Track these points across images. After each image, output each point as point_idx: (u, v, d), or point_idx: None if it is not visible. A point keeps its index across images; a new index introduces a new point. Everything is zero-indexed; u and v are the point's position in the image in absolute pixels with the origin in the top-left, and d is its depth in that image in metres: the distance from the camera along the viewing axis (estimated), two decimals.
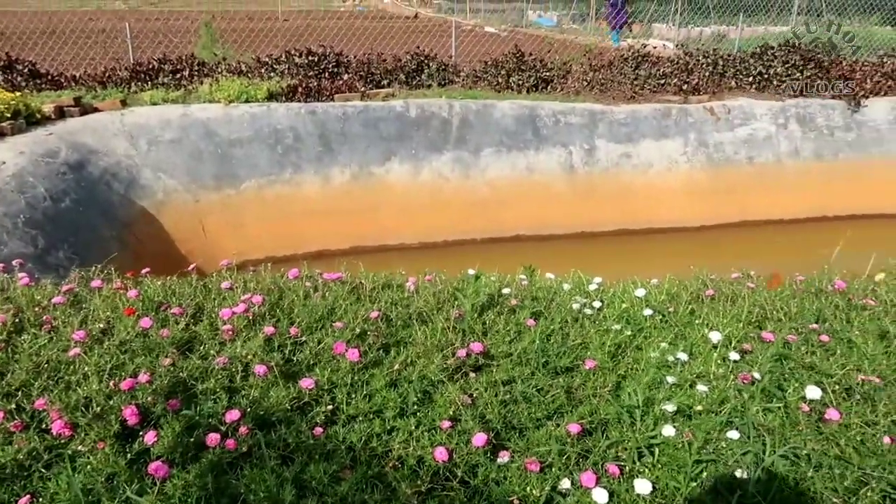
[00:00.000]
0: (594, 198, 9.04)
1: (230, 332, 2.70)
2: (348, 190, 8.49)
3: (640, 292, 3.23)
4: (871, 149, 10.14)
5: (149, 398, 2.27)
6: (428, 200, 8.65)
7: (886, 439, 2.29)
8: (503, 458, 2.18)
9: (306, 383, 2.35)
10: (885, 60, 11.42)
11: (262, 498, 1.93)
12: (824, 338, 2.89)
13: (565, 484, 2.08)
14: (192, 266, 3.37)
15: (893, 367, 2.72)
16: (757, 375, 2.58)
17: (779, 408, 2.45)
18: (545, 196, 8.89)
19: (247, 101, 8.60)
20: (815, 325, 3.00)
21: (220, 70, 9.60)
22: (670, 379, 2.55)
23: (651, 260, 8.21)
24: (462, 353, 2.60)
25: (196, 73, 9.52)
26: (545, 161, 9.05)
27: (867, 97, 10.42)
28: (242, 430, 2.18)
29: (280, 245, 7.91)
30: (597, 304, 3.15)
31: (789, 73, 10.66)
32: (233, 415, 2.20)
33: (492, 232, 8.67)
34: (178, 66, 9.57)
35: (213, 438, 2.12)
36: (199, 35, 11.15)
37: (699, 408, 2.36)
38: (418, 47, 10.51)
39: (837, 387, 2.56)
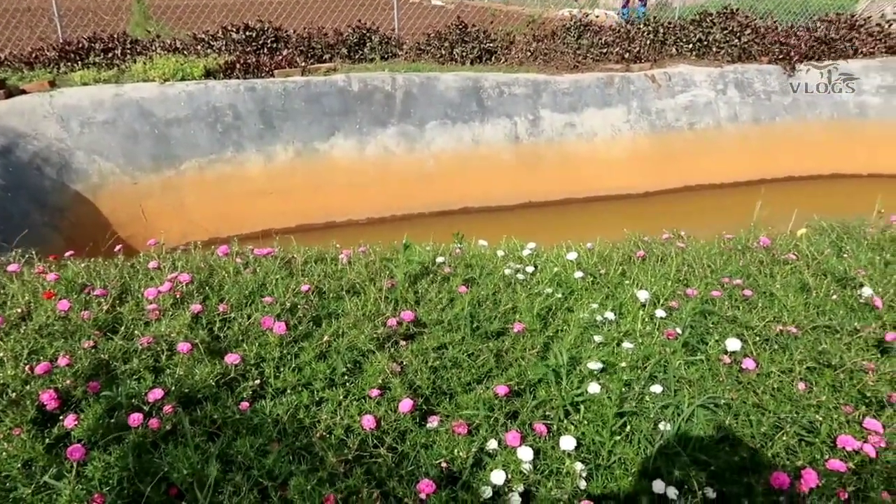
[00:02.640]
0: (540, 168, 9.09)
1: (156, 312, 2.64)
2: (292, 167, 8.34)
3: (572, 256, 3.27)
4: (806, 112, 10.41)
5: (68, 381, 2.21)
6: (374, 175, 8.57)
7: (801, 385, 2.39)
8: (432, 422, 2.20)
9: (232, 359, 2.32)
10: (818, 25, 11.68)
11: (186, 475, 1.90)
12: (747, 292, 2.98)
13: (492, 444, 2.11)
14: (117, 247, 3.28)
15: (811, 317, 2.82)
16: (680, 331, 2.65)
17: (701, 361, 2.53)
18: (491, 167, 8.90)
19: (183, 79, 8.34)
20: (739, 281, 3.09)
21: (154, 48, 9.27)
22: (598, 338, 2.60)
23: (596, 227, 8.23)
24: (393, 322, 2.61)
25: (129, 51, 9.17)
26: (490, 132, 9.05)
27: (801, 62, 10.67)
28: (166, 408, 2.14)
29: (224, 226, 7.75)
30: (530, 269, 3.19)
31: (727, 39, 10.84)
32: (156, 394, 2.16)
33: (439, 205, 8.66)
34: (110, 45, 9.19)
35: (135, 418, 2.08)
36: (132, 12, 10.73)
37: (624, 364, 2.41)
38: (360, 21, 10.32)
39: (757, 338, 2.65)
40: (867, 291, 2.95)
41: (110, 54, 9.03)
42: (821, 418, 2.25)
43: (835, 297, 2.99)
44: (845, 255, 3.48)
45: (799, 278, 3.17)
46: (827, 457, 2.12)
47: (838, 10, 12.88)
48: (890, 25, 11.60)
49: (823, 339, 2.64)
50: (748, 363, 2.44)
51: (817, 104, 10.49)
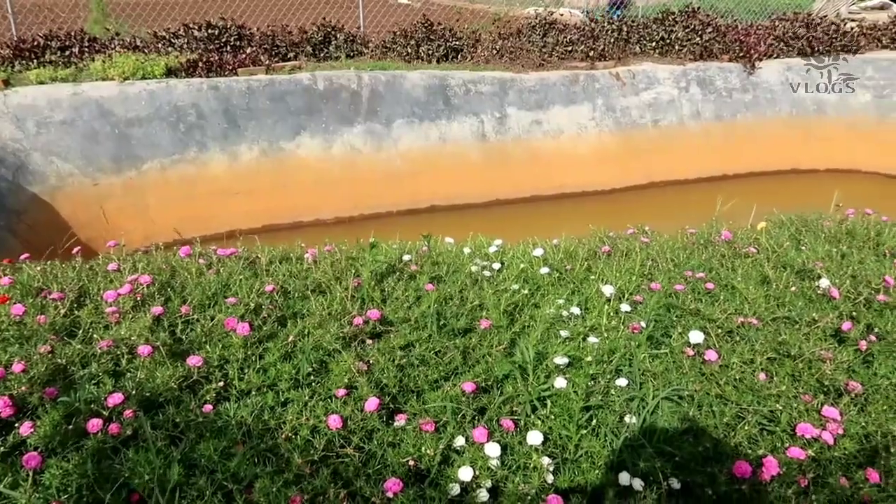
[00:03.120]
0: (507, 165, 9.12)
1: (116, 315, 2.58)
2: (257, 167, 8.24)
3: (539, 252, 3.29)
4: (766, 109, 10.63)
5: (23, 388, 2.15)
6: (341, 174, 8.51)
7: (762, 376, 2.44)
8: (399, 421, 2.19)
9: (194, 361, 2.28)
10: (776, 24, 11.93)
11: (148, 480, 1.86)
12: (710, 285, 3.03)
13: (460, 441, 2.11)
14: (76, 249, 3.19)
15: (771, 309, 2.88)
16: (644, 324, 2.68)
17: (665, 354, 2.56)
18: (459, 165, 8.90)
19: (143, 77, 8.17)
20: (701, 274, 3.14)
21: (113, 46, 9.07)
22: (564, 333, 2.61)
23: (563, 223, 8.31)
24: (359, 320, 2.59)
25: (87, 49, 8.96)
26: (458, 130, 9.05)
27: (761, 59, 10.89)
28: (127, 413, 2.09)
29: (188, 227, 7.58)
30: (496, 265, 3.19)
31: (689, 37, 11.00)
32: (115, 398, 2.11)
33: (407, 204, 8.63)
34: (68, 43, 8.97)
35: (94, 424, 2.03)
36: (89, 9, 10.48)
37: (589, 359, 2.43)
38: (325, 18, 10.24)
39: (720, 330, 2.69)
40: (824, 283, 3.02)
41: (67, 52, 8.80)
42: (781, 407, 2.30)
43: (794, 288, 3.06)
44: (803, 248, 3.55)
45: (759, 271, 3.24)
46: (787, 445, 2.17)
47: (796, 10, 13.18)
48: (844, 24, 11.90)
49: (783, 330, 2.69)
50: (711, 355, 2.48)
51: (777, 101, 10.71)
